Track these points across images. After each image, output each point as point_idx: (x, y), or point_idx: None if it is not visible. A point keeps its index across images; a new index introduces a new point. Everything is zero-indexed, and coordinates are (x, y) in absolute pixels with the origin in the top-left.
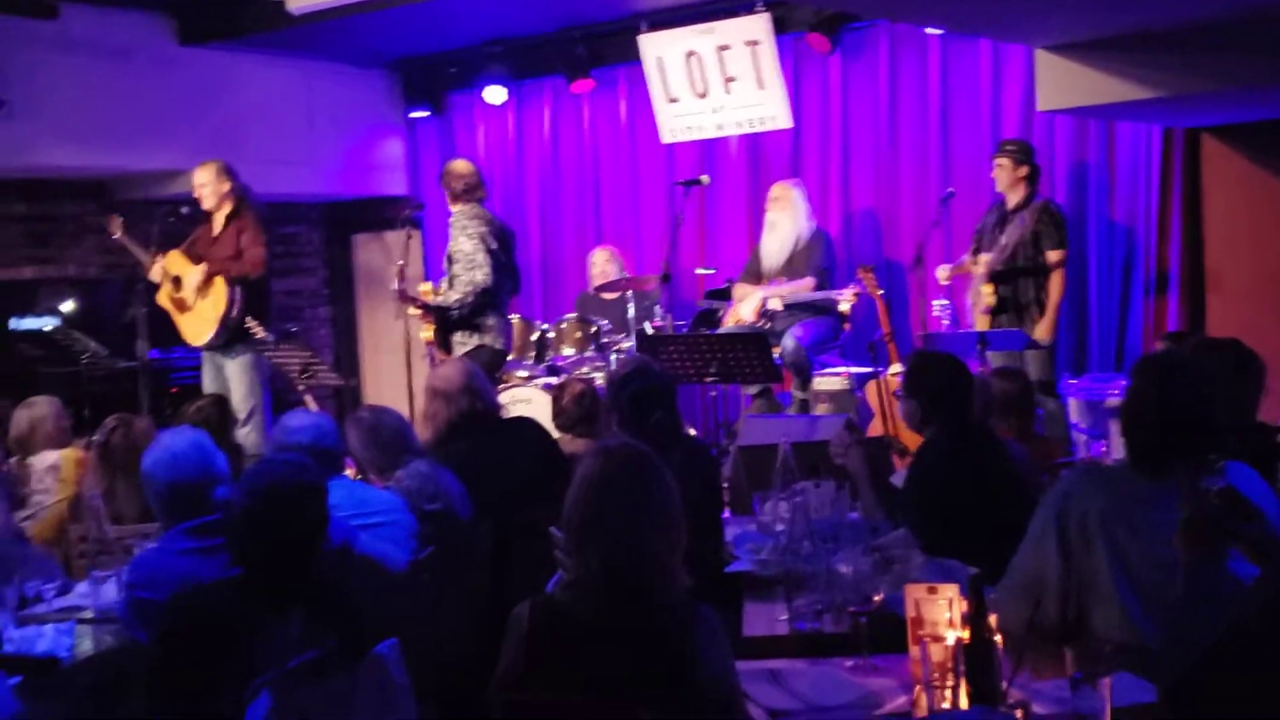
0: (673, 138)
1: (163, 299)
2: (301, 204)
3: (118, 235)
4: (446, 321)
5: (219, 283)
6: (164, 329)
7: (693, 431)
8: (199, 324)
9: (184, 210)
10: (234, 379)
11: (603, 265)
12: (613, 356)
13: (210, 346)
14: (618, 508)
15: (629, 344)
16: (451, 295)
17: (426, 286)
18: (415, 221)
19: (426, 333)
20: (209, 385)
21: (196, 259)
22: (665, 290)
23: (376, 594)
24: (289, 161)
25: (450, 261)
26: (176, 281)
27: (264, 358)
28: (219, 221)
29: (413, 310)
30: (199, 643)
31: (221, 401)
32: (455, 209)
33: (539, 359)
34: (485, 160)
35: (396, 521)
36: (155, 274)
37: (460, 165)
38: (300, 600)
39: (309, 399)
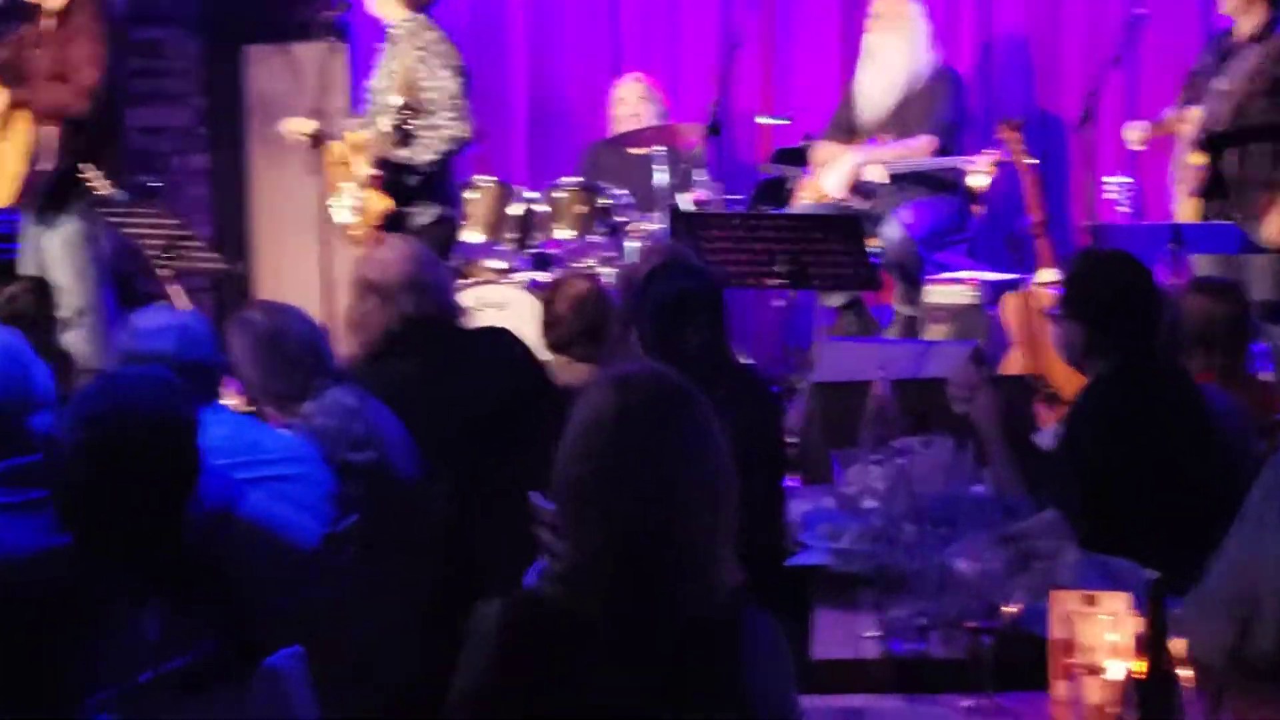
0: None
1: None
2: None
3: None
4: (399, 188)
5: (23, 119)
6: None
7: (747, 361)
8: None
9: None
10: (58, 258)
11: (634, 104)
12: (631, 244)
13: (18, 210)
14: (637, 465)
15: (656, 226)
16: (420, 151)
17: (358, 132)
18: (339, 28)
19: (378, 203)
20: (27, 268)
21: (11, 76)
22: (712, 147)
23: (272, 578)
24: None
25: (375, 94)
26: None
27: (105, 228)
28: (48, 16)
29: (345, 163)
30: (8, 643)
31: (42, 288)
32: (399, 19)
33: (521, 244)
34: None
35: (304, 475)
36: None
37: None
38: (159, 584)
39: (175, 290)
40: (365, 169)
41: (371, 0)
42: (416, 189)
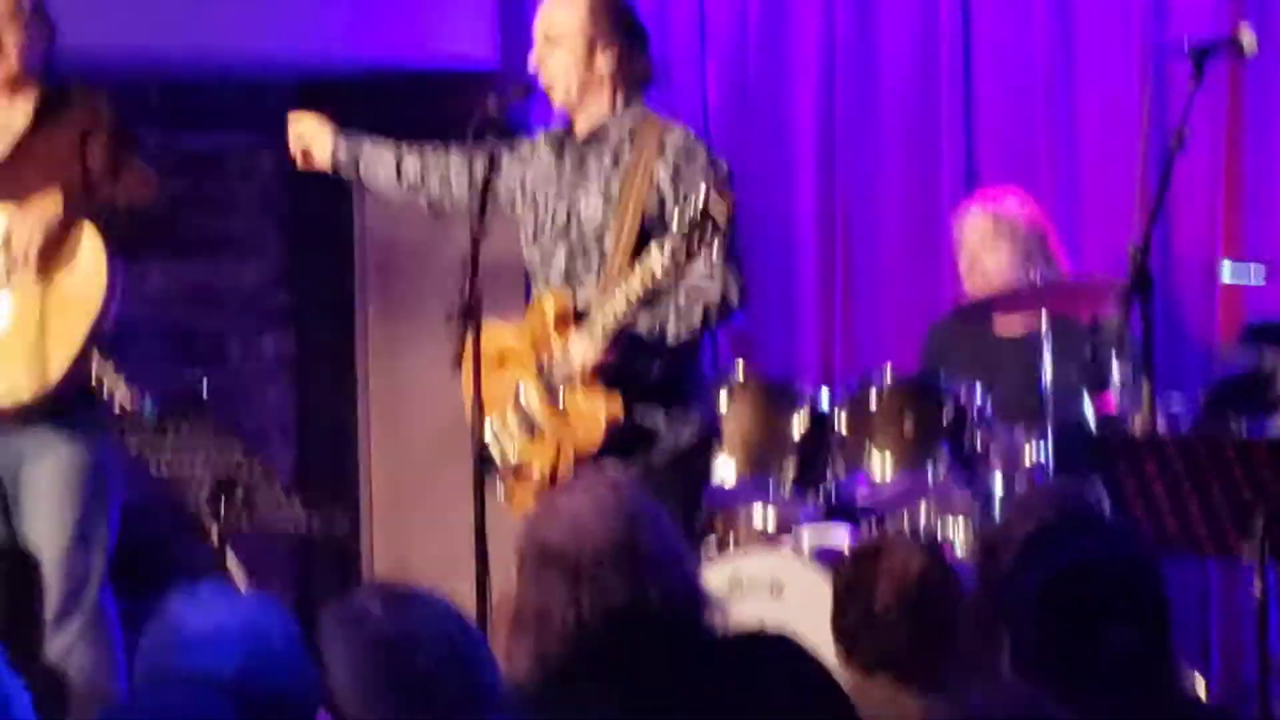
0: None
1: None
2: (236, 82)
3: None
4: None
5: (85, 238)
6: None
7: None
8: (26, 349)
9: None
10: (40, 506)
11: (997, 249)
12: (996, 483)
13: (30, 410)
14: None
15: (1040, 452)
16: (674, 320)
17: (557, 290)
18: (508, 126)
19: (600, 411)
20: None
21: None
22: (1135, 307)
23: None
24: None
25: (582, 227)
26: None
27: (119, 458)
28: (9, 116)
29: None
30: None
31: (16, 562)
32: (611, 111)
33: (806, 483)
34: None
35: None
36: None
37: (621, 3)
38: None
39: (232, 560)
40: (589, 353)
41: (565, 83)
42: (660, 387)
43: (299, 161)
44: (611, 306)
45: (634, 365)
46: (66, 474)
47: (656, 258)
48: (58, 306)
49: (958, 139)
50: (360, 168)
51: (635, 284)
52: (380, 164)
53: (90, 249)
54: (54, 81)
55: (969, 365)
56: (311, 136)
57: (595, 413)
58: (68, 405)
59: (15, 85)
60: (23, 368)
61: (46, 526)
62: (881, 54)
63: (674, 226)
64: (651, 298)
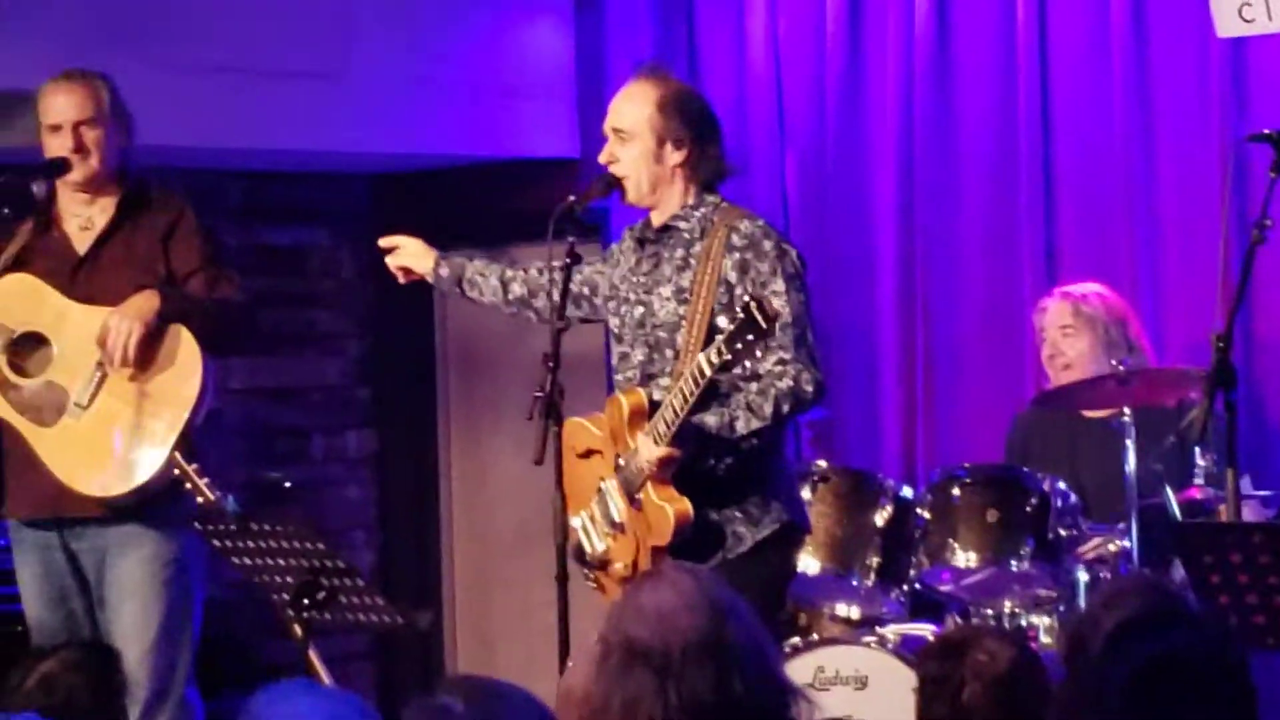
0: (1242, 29)
1: None
2: (318, 177)
3: None
4: (702, 479)
5: (179, 338)
6: None
7: None
8: (119, 445)
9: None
10: (150, 597)
11: (1079, 336)
12: (1082, 574)
13: (116, 507)
14: None
15: (1124, 542)
16: (744, 414)
17: (633, 389)
18: (587, 221)
19: (670, 509)
20: (48, 614)
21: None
22: (1218, 396)
23: None
24: (288, 75)
25: (649, 319)
26: (20, 348)
27: (200, 555)
28: (85, 218)
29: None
30: None
31: (97, 660)
32: (683, 205)
33: (889, 576)
34: (762, 90)
35: None
36: None
37: (688, 95)
38: None
39: (314, 658)
40: (652, 450)
41: (636, 178)
42: (734, 481)
43: (399, 277)
44: (670, 404)
45: (704, 460)
46: (151, 570)
47: (705, 354)
48: (150, 405)
49: (1037, 228)
50: (463, 287)
51: (689, 382)
52: (485, 283)
53: (184, 348)
54: (134, 180)
55: (1053, 453)
56: (411, 256)
57: (665, 510)
58: (153, 502)
59: (96, 185)
60: (114, 465)
61: (131, 623)
62: (960, 143)
63: (725, 319)
64: (716, 393)
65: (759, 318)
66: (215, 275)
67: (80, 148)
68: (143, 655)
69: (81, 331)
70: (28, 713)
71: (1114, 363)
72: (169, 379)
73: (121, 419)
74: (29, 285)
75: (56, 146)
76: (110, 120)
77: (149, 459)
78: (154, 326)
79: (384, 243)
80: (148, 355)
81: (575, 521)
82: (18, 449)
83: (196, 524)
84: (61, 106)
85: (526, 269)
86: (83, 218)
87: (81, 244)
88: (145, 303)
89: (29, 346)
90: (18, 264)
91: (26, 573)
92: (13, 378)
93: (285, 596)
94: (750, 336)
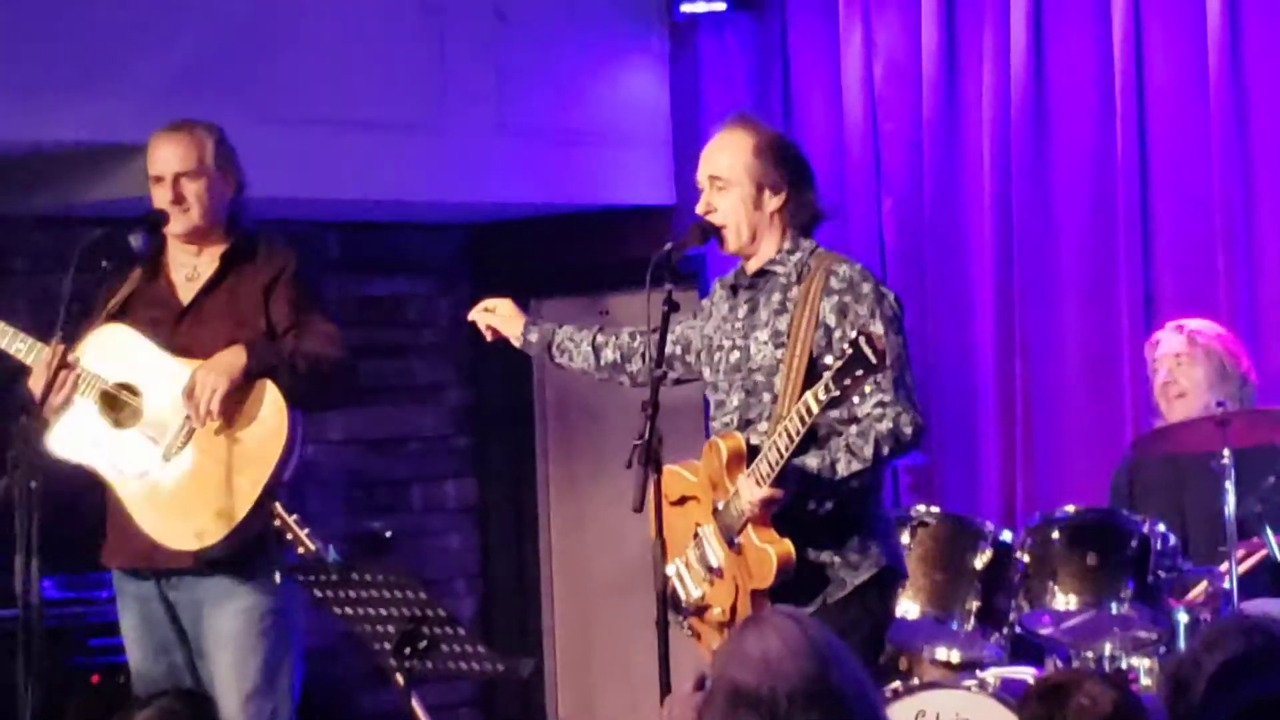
0: None
1: (83, 448)
2: (414, 227)
3: None
4: (804, 523)
5: (265, 393)
6: (69, 532)
7: None
8: (204, 500)
9: (119, 238)
10: (247, 648)
11: (1189, 372)
12: (1182, 616)
13: (207, 560)
14: None
15: (1223, 584)
16: (845, 456)
17: (732, 433)
18: (686, 275)
19: (772, 552)
20: (150, 664)
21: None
22: None
23: None
24: (383, 126)
25: (743, 367)
26: (115, 395)
27: (298, 606)
28: (191, 268)
29: (693, 496)
30: None
31: (198, 705)
32: (778, 251)
33: (989, 619)
34: (858, 136)
35: None
36: (37, 383)
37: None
38: None
39: (417, 702)
40: (755, 491)
41: (735, 225)
42: (833, 524)
43: (486, 336)
44: (774, 444)
45: (805, 503)
46: (248, 621)
47: (812, 392)
48: (237, 459)
49: (1135, 271)
50: (553, 351)
51: (795, 420)
52: (576, 349)
53: (270, 403)
54: (243, 232)
55: (1158, 495)
56: (500, 318)
57: (767, 552)
58: (248, 553)
59: (200, 235)
60: (203, 518)
61: (228, 674)
62: (1057, 187)
63: (829, 360)
64: (814, 436)
65: (868, 352)
66: (313, 330)
67: (179, 199)
68: (241, 706)
69: (172, 384)
70: None
71: (1227, 394)
72: (255, 435)
73: (207, 474)
74: (124, 335)
75: (159, 197)
76: (214, 172)
77: (231, 515)
78: (239, 382)
79: (477, 313)
80: (234, 411)
81: (670, 568)
82: (114, 499)
83: (298, 575)
84: (164, 158)
85: (617, 334)
86: (189, 268)
87: (186, 294)
88: (233, 358)
89: (122, 398)
90: (123, 311)
91: (128, 623)
92: (105, 428)
93: (387, 646)
94: (859, 371)
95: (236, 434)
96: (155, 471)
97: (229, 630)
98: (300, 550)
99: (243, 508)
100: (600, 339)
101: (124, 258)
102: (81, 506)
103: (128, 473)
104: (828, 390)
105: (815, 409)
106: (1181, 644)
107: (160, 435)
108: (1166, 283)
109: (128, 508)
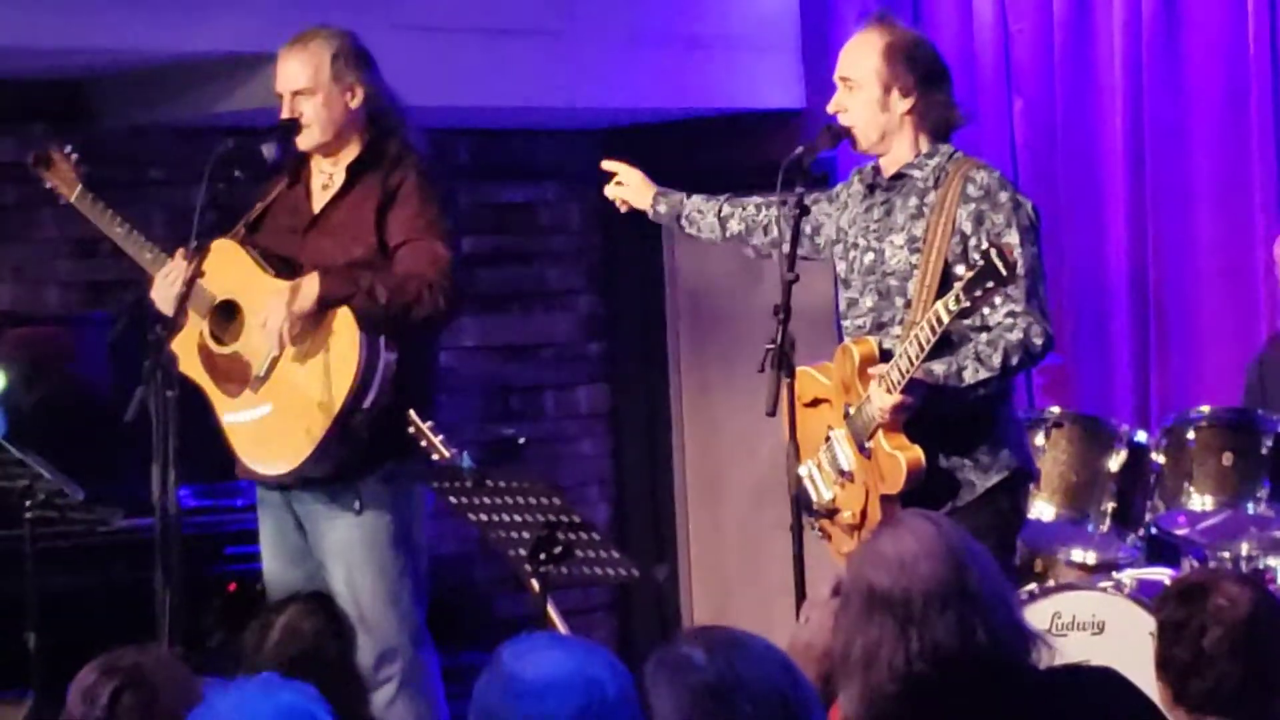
0: None
1: (190, 363)
2: (544, 133)
3: (71, 198)
4: (934, 429)
5: (340, 321)
6: (205, 441)
7: None
8: (285, 426)
9: (252, 149)
10: (351, 564)
11: None
12: None
13: (307, 477)
14: None
15: None
16: (973, 364)
17: (866, 339)
18: (818, 177)
19: (901, 457)
20: (284, 572)
21: (276, 263)
22: None
23: None
24: (513, 33)
25: (881, 268)
26: (223, 316)
27: (423, 515)
28: (328, 176)
29: (825, 399)
30: None
31: (333, 612)
32: (916, 155)
33: (1125, 521)
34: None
35: None
36: (164, 297)
37: (915, 42)
38: None
39: (552, 608)
40: (885, 399)
41: (865, 127)
42: (963, 429)
43: (618, 207)
44: (905, 352)
45: (935, 410)
46: (361, 534)
47: (943, 302)
48: (313, 386)
49: (1269, 167)
50: (682, 222)
51: (925, 329)
52: (703, 220)
53: (343, 331)
54: (373, 137)
55: None
56: (631, 189)
57: (897, 458)
58: (357, 468)
59: (331, 149)
60: (282, 444)
61: (342, 587)
62: (1190, 84)
63: (960, 270)
64: (945, 341)
65: (999, 264)
66: (420, 250)
67: (283, 120)
68: (360, 618)
69: (268, 308)
70: (269, 672)
71: None
72: (328, 362)
73: (287, 398)
74: (233, 252)
75: (284, 113)
76: (330, 85)
77: (310, 440)
78: (311, 311)
79: (608, 166)
80: (310, 338)
81: (802, 470)
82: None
83: (432, 482)
84: (281, 75)
85: (745, 205)
86: (325, 175)
87: (319, 203)
88: (308, 286)
89: (229, 315)
90: (261, 220)
91: (266, 530)
92: (212, 345)
93: (522, 552)
94: (990, 283)
95: (313, 361)
96: (249, 392)
97: (342, 544)
98: (435, 457)
99: (318, 433)
100: (727, 209)
101: (258, 168)
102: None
103: (227, 393)
104: (958, 301)
105: (946, 319)
106: None
107: (255, 356)
108: None
109: (222, 426)
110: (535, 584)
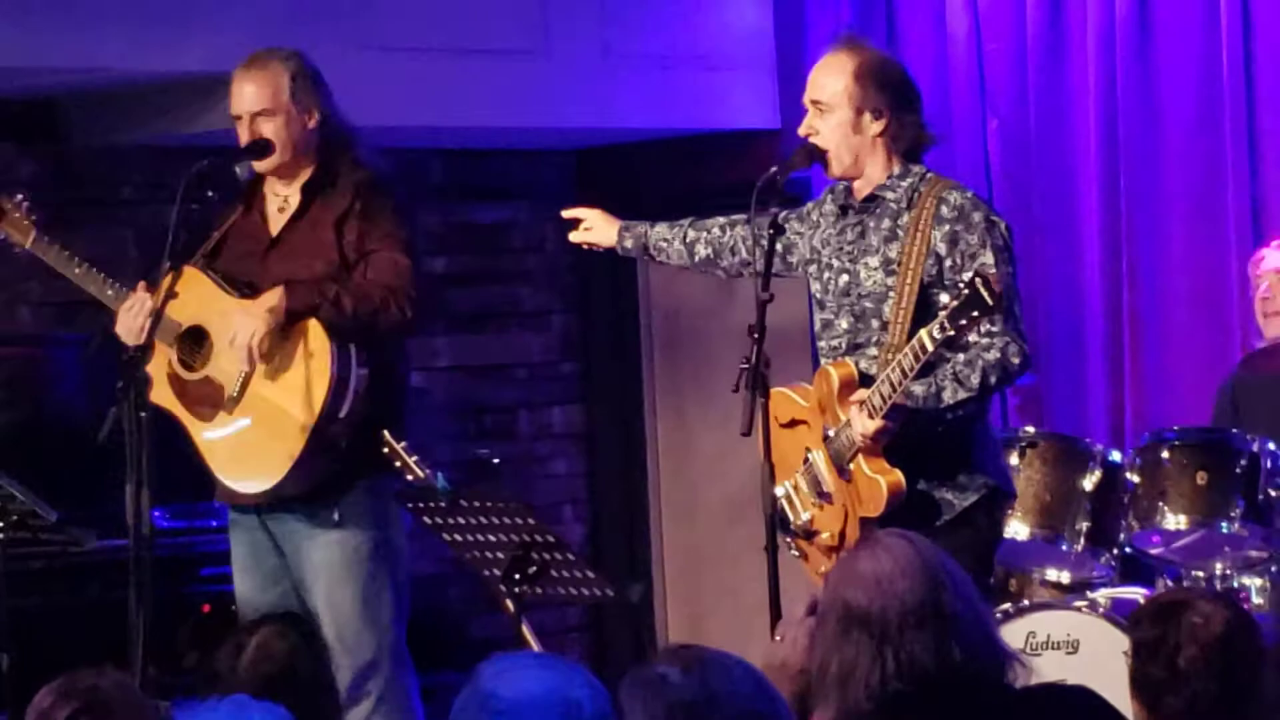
0: None
1: (161, 393)
2: (519, 154)
3: (28, 244)
4: (911, 449)
5: (311, 332)
6: (179, 462)
7: None
8: (262, 441)
9: (226, 169)
10: (336, 578)
11: None
12: None
13: (286, 495)
14: None
15: None
16: (951, 385)
17: (844, 360)
18: (791, 198)
19: (881, 479)
20: (258, 595)
21: (239, 285)
22: None
23: None
24: (487, 53)
25: (852, 291)
26: (190, 342)
27: (402, 534)
28: (283, 199)
29: (802, 420)
30: None
31: (304, 628)
32: (888, 176)
33: (1099, 540)
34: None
35: None
36: (128, 329)
37: (885, 63)
38: None
39: (526, 627)
40: (867, 424)
41: (838, 150)
42: (941, 451)
43: (584, 246)
44: (888, 378)
45: (914, 432)
46: (344, 552)
47: (927, 330)
48: (287, 399)
49: (1242, 188)
50: (651, 252)
51: (909, 357)
52: (670, 248)
53: (314, 342)
54: (324, 159)
55: (1263, 414)
56: (596, 231)
57: (878, 482)
58: (335, 486)
59: (288, 170)
60: (261, 460)
61: (323, 606)
62: (1163, 104)
63: (945, 298)
64: (926, 367)
65: (984, 294)
66: (381, 261)
67: (256, 139)
68: (337, 635)
69: (234, 326)
70: (241, 693)
71: None
72: (302, 375)
73: (262, 414)
74: (196, 278)
75: (240, 136)
76: (290, 107)
77: (288, 455)
78: (280, 324)
79: (568, 214)
80: (281, 352)
81: (779, 490)
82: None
83: (407, 502)
84: (237, 97)
85: (709, 228)
86: (281, 199)
87: (276, 226)
88: (274, 299)
89: (195, 341)
90: (219, 247)
91: (239, 552)
92: (181, 372)
93: (497, 572)
94: (975, 312)
95: (285, 375)
96: (223, 414)
97: (322, 561)
98: (409, 477)
99: (296, 448)
100: (691, 234)
101: (231, 187)
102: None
103: (200, 417)
104: (943, 329)
105: (930, 346)
106: None
107: (228, 378)
108: (1274, 198)
109: (200, 450)
110: (510, 604)
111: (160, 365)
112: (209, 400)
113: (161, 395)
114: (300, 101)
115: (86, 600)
